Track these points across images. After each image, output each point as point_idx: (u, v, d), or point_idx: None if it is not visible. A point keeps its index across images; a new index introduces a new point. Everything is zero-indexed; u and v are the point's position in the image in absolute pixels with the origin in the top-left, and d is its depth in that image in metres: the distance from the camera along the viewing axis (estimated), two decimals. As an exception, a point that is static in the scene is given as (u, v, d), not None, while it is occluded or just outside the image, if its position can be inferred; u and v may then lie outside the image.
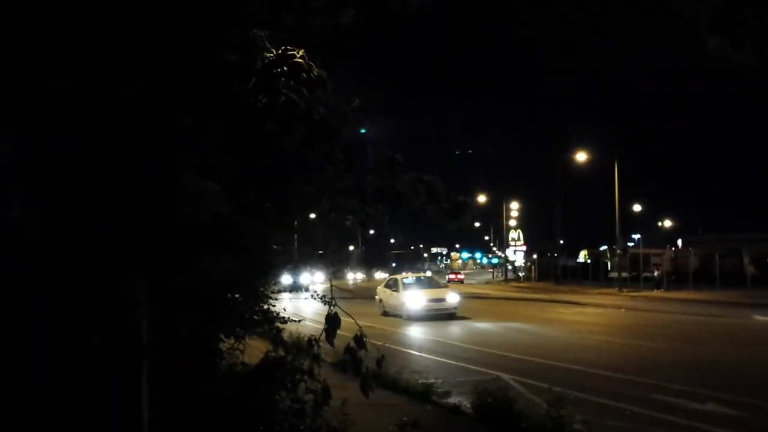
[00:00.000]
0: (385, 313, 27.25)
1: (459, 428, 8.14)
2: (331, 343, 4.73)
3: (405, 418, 5.84)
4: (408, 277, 31.39)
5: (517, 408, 7.94)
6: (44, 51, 2.99)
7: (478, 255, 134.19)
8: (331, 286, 5.41)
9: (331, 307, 5.00)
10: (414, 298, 26.01)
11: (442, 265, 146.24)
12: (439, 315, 25.26)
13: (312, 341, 4.99)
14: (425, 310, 25.43)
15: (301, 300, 7.48)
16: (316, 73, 4.88)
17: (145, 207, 3.11)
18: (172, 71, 3.85)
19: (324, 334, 4.66)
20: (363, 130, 4.74)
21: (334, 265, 8.53)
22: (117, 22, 3.29)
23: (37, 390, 2.93)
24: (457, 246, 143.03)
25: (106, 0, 3.29)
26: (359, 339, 4.67)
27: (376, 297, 29.59)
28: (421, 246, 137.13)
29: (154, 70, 3.53)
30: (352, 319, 5.10)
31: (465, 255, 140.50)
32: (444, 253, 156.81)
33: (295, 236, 6.77)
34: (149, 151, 3.23)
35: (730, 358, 14.70)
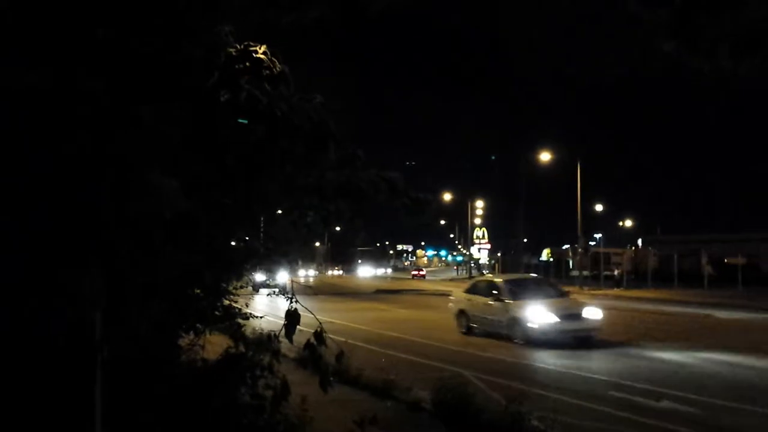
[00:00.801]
0: (471, 330, 19.09)
1: (418, 424, 8.20)
2: (290, 340, 4.74)
3: (364, 415, 5.86)
4: (512, 278, 22.37)
5: (476, 403, 8.02)
6: (14, 44, 2.96)
7: (443, 252, 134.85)
8: (293, 283, 5.42)
9: (291, 304, 5.01)
10: (537, 312, 16.99)
11: (407, 263, 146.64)
12: (577, 337, 16.68)
13: (271, 336, 4.99)
14: (558, 331, 16.65)
15: (278, 297, 7.46)
16: (278, 69, 4.87)
17: (102, 201, 3.09)
18: (135, 64, 3.82)
19: (284, 330, 4.67)
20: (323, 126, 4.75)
21: (298, 261, 8.51)
22: (83, 13, 3.27)
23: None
24: (423, 243, 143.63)
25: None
26: (319, 335, 4.69)
27: (453, 305, 21.31)
28: (387, 243, 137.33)
29: (118, 62, 3.51)
30: (313, 314, 5.11)
31: (430, 252, 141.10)
32: (410, 250, 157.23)
33: (261, 233, 6.75)
34: (109, 145, 3.22)
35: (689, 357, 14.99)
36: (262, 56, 4.77)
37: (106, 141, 3.17)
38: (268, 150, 4.99)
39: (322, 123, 4.80)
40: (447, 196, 75.97)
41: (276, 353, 5.16)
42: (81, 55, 3.48)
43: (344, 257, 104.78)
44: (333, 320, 17.23)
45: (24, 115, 3.07)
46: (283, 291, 6.93)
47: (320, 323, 4.76)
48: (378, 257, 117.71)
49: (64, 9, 3.40)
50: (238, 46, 4.77)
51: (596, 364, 13.83)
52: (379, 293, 44.53)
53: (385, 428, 7.21)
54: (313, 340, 4.71)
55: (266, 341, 6.23)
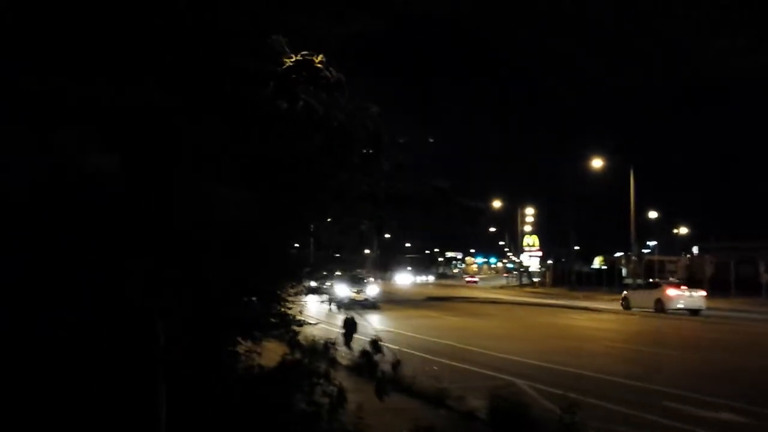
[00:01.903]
0: None
1: (472, 434, 8.15)
2: (349, 347, 4.77)
3: (419, 424, 5.85)
4: None
5: (531, 414, 7.93)
6: (81, 59, 3.05)
7: (492, 260, 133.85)
8: (351, 291, 5.44)
9: (348, 312, 5.04)
10: None
11: (456, 270, 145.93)
12: None
13: (328, 344, 5.02)
14: None
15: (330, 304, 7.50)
16: (334, 78, 4.91)
17: (162, 212, 3.16)
18: (190, 77, 3.90)
19: (342, 337, 4.71)
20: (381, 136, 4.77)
21: (351, 268, 8.55)
22: (142, 33, 3.35)
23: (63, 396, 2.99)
24: (472, 251, 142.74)
25: (135, 13, 3.35)
26: (375, 342, 4.71)
27: None
28: (436, 250, 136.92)
29: (174, 75, 3.59)
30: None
31: (480, 260, 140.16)
32: (459, 257, 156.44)
33: (311, 240, 6.81)
34: (170, 157, 3.29)
35: (745, 366, 14.59)
36: (319, 65, 4.81)
37: (169, 151, 3.24)
38: (324, 159, 5.04)
39: (377, 132, 4.82)
40: (496, 203, 75.46)
41: (332, 361, 5.20)
42: (155, 73, 3.57)
43: (393, 264, 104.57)
44: (383, 328, 17.27)
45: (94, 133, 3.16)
46: (339, 300, 7.01)
47: (376, 331, 4.78)
48: (426, 264, 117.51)
49: (138, 33, 3.49)
50: (294, 57, 4.83)
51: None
52: (430, 300, 44.46)
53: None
54: (369, 347, 4.72)
55: (322, 349, 6.28)
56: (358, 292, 30.86)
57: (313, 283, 7.53)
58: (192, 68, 3.68)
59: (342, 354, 5.81)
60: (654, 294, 34.13)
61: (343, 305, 7.06)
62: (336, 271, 7.93)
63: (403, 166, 4.89)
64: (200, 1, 4.10)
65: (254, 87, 4.67)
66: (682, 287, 34.48)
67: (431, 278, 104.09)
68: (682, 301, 32.72)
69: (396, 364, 4.83)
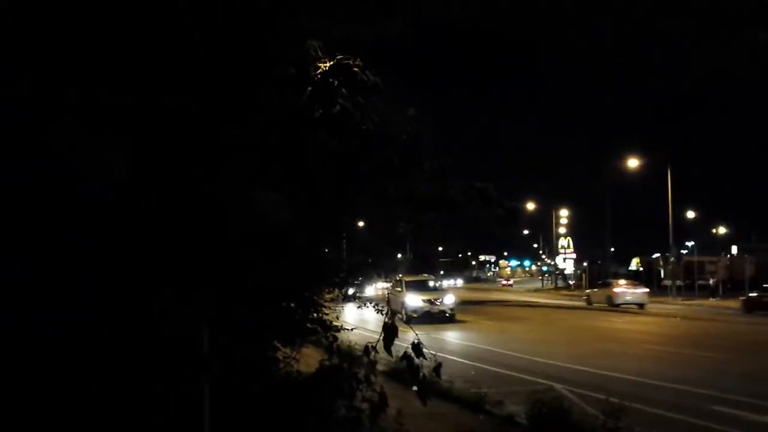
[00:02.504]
0: None
1: (513, 439, 8.05)
2: (389, 352, 4.72)
3: (460, 429, 5.78)
4: None
5: (573, 419, 7.80)
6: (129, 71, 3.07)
7: (526, 263, 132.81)
8: (388, 295, 5.39)
9: (388, 317, 5.00)
10: None
11: (490, 273, 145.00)
12: None
13: (369, 348, 4.98)
14: None
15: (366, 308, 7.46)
16: (371, 81, 4.89)
17: (207, 218, 3.15)
18: (230, 84, 3.90)
19: (382, 342, 4.66)
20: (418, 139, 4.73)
21: (387, 273, 8.52)
22: (180, 42, 3.36)
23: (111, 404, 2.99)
24: (506, 254, 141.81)
25: (173, 24, 3.36)
26: (416, 346, 4.65)
27: None
28: (469, 254, 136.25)
29: (215, 83, 3.59)
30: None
31: (514, 263, 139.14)
32: (492, 260, 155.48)
33: (344, 244, 6.78)
34: (212, 163, 3.29)
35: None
36: (355, 69, 4.79)
37: (212, 157, 3.24)
38: (361, 163, 5.01)
39: (415, 135, 4.78)
40: (530, 206, 74.81)
41: (373, 365, 5.15)
42: (175, 77, 3.58)
43: (427, 269, 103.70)
44: (418, 332, 17.15)
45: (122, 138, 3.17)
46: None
47: (417, 335, 4.73)
48: (460, 268, 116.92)
49: (162, 41, 3.50)
50: (329, 61, 4.81)
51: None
52: (463, 304, 44.16)
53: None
54: (410, 351, 4.67)
55: (361, 354, 6.24)
56: (431, 302, 26.94)
57: (350, 290, 7.49)
58: (232, 76, 3.68)
59: (378, 359, 5.78)
60: (606, 291, 39.13)
61: (414, 319, 6.88)
62: (370, 276, 7.86)
63: (446, 167, 4.84)
64: (236, 10, 4.10)
65: (292, 92, 4.66)
66: (627, 285, 40.26)
67: (459, 282, 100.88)
68: (627, 297, 37.85)
69: (437, 368, 4.77)
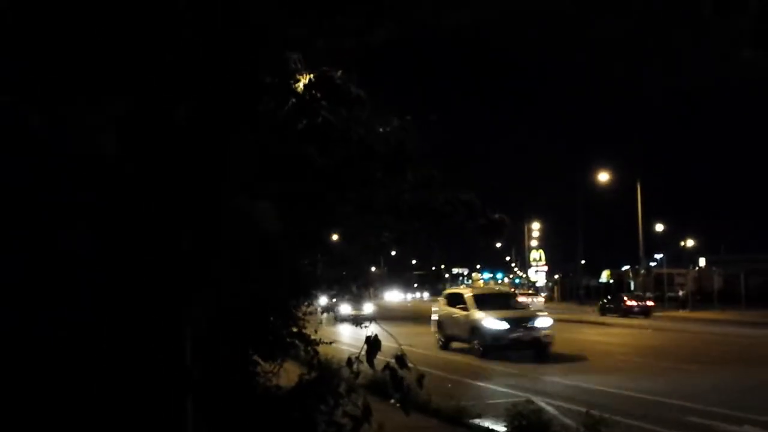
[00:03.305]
0: None
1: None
2: (372, 365, 4.70)
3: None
4: None
5: (553, 431, 7.80)
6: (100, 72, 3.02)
7: (499, 275, 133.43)
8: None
9: (371, 330, 4.95)
10: None
11: (463, 286, 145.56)
12: None
13: (352, 360, 4.92)
14: None
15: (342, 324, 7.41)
16: (354, 93, 4.87)
17: (197, 229, 3.10)
18: (216, 92, 3.85)
19: (365, 355, 4.62)
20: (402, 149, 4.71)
21: (366, 285, 8.46)
22: (168, 49, 3.32)
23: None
24: (478, 266, 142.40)
25: (164, 29, 3.32)
26: (400, 358, 4.63)
27: None
28: (443, 267, 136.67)
29: (202, 90, 3.54)
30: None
31: (486, 275, 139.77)
32: (465, 273, 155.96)
33: (319, 256, 6.71)
34: (202, 172, 3.23)
35: (766, 380, 14.42)
36: (338, 82, 4.77)
37: (202, 166, 3.18)
38: (345, 174, 4.98)
39: (399, 146, 4.76)
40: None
41: (356, 377, 5.09)
42: (167, 85, 3.54)
43: (400, 281, 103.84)
44: (394, 344, 17.06)
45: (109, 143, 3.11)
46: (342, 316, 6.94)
47: (400, 347, 4.69)
48: (433, 281, 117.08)
49: (154, 46, 3.45)
50: (312, 73, 4.78)
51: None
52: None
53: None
54: (393, 363, 4.64)
55: (337, 369, 6.17)
56: (521, 324, 25.90)
57: (323, 301, 7.43)
58: (219, 84, 3.63)
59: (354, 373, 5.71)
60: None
61: (496, 349, 7.06)
62: (347, 287, 7.80)
63: (431, 177, 4.83)
64: (228, 17, 4.07)
65: (275, 103, 4.62)
66: (527, 295, 49.31)
67: (425, 295, 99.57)
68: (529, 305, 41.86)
69: (421, 379, 4.74)
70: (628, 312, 40.02)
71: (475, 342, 19.17)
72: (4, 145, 2.83)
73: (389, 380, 4.68)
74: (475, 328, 19.34)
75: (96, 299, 2.93)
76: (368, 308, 31.90)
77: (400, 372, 4.74)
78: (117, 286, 2.93)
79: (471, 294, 21.63)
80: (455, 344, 21.14)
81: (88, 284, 2.91)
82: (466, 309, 20.47)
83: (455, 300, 21.92)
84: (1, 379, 2.88)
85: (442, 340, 21.77)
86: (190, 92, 3.43)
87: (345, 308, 26.02)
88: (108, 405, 2.99)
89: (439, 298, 25.71)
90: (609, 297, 47.43)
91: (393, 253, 8.25)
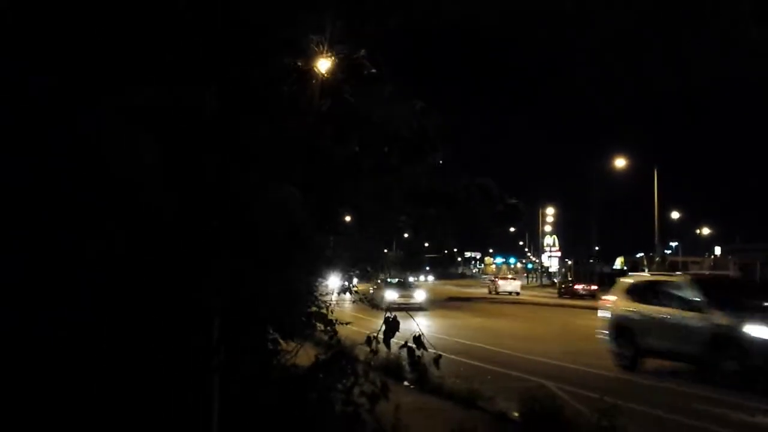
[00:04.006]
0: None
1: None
2: (388, 346, 4.76)
3: (461, 426, 5.80)
4: None
5: (566, 416, 7.83)
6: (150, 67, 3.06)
7: (512, 260, 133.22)
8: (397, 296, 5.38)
9: (390, 312, 5.00)
10: None
11: (475, 270, 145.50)
12: None
13: (371, 338, 4.98)
14: None
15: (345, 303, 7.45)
16: (376, 75, 4.87)
17: (229, 214, 3.15)
18: (240, 75, 3.88)
19: (383, 336, 4.69)
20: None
21: (382, 268, 8.50)
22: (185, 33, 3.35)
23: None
24: (491, 251, 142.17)
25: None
26: (418, 339, 4.70)
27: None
28: (455, 250, 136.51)
29: (226, 73, 3.58)
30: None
31: (499, 260, 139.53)
32: (477, 257, 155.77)
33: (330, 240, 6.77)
34: (233, 159, 3.28)
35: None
36: (360, 63, 4.77)
37: (232, 152, 3.22)
38: (365, 159, 5.00)
39: (420, 130, 4.78)
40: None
41: (374, 355, 5.16)
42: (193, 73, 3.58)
43: (413, 265, 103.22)
44: (407, 328, 17.15)
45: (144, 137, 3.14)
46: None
47: (419, 327, 4.76)
48: (446, 265, 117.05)
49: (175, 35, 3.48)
50: (331, 55, 4.79)
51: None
52: (451, 300, 44.28)
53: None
54: (412, 343, 4.71)
55: (351, 347, 6.25)
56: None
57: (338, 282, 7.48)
58: (243, 66, 3.66)
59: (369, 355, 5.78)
60: (494, 284, 60.49)
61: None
62: (361, 270, 7.85)
63: (449, 163, 4.85)
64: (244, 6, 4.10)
65: (296, 85, 4.64)
66: (506, 278, 62.87)
67: (430, 279, 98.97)
68: (508, 288, 57.11)
69: (437, 359, 4.81)
70: (575, 295, 49.21)
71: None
72: (4, 145, 2.86)
73: (409, 360, 4.74)
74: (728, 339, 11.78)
75: (104, 295, 2.97)
76: (419, 295, 31.83)
77: (418, 352, 4.80)
78: (150, 280, 2.98)
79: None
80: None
81: (88, 284, 2.94)
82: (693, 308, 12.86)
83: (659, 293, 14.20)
84: (1, 379, 2.92)
85: (628, 354, 14.15)
86: (215, 76, 3.46)
87: (390, 294, 25.34)
88: (126, 395, 3.04)
89: (611, 290, 16.64)
90: (564, 285, 57.51)
91: (406, 235, 8.24)
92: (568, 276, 70.85)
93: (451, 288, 66.38)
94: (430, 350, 4.96)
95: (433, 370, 5.27)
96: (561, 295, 53.07)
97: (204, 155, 3.15)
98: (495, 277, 68.06)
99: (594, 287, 51.21)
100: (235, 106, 3.51)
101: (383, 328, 4.82)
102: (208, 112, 3.24)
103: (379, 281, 23.31)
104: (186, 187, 3.01)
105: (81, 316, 2.94)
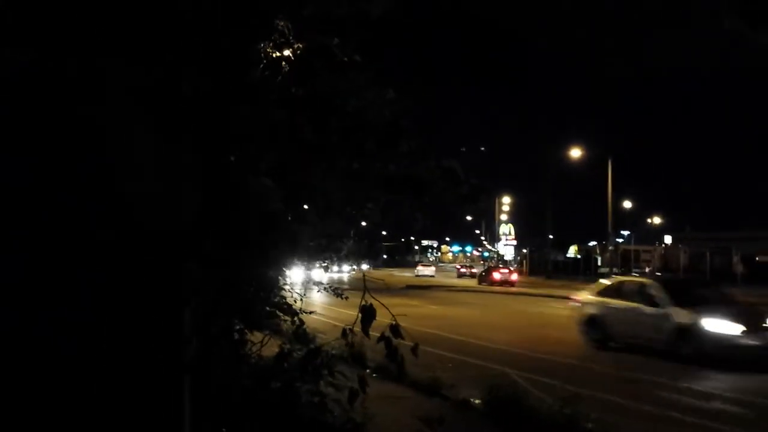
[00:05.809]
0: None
1: (471, 423, 8.11)
2: (367, 334, 4.69)
3: (426, 414, 5.80)
4: None
5: (529, 403, 7.92)
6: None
7: (468, 248, 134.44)
8: (364, 277, 5.35)
9: (365, 299, 4.94)
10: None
11: (432, 258, 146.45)
12: None
13: (347, 331, 4.92)
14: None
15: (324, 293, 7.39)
16: (350, 62, 4.81)
17: (206, 203, 3.07)
18: (210, 60, 3.79)
19: (360, 324, 4.64)
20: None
21: (347, 256, 8.47)
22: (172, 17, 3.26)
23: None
24: (448, 239, 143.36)
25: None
26: (395, 328, 4.65)
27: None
28: (412, 239, 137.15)
29: (198, 58, 3.48)
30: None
31: (456, 248, 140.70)
32: (435, 246, 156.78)
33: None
34: (213, 145, 3.19)
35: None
36: (334, 50, 4.70)
37: (212, 138, 3.14)
38: (338, 145, 4.95)
39: (393, 119, 4.74)
40: (473, 192, 75.56)
41: (350, 347, 5.10)
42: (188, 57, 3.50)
43: (371, 253, 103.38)
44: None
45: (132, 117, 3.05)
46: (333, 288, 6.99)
47: (394, 317, 4.72)
48: (404, 253, 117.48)
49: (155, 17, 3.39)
50: (301, 42, 4.71)
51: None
52: (409, 289, 44.51)
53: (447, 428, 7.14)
54: (388, 333, 4.66)
55: (313, 337, 6.19)
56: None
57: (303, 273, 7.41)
58: (213, 52, 3.57)
59: (330, 344, 5.75)
60: (416, 269, 75.45)
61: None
62: (326, 259, 7.80)
63: (423, 149, 4.82)
64: None
65: (267, 71, 4.56)
66: (427, 266, 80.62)
67: (364, 267, 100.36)
68: (426, 272, 71.28)
69: (415, 348, 4.78)
70: (493, 282, 52.35)
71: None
72: (5, 145, 2.79)
73: (386, 350, 4.69)
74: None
75: (97, 297, 2.90)
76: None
77: (395, 341, 4.75)
78: (119, 274, 2.91)
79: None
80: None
81: (91, 282, 2.88)
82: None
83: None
84: (1, 378, 2.86)
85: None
86: (188, 60, 3.37)
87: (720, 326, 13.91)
88: (123, 396, 2.99)
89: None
90: (483, 272, 61.71)
91: (363, 224, 8.22)
92: (524, 264, 72.13)
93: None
94: (407, 339, 4.92)
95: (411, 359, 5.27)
96: (480, 282, 56.19)
97: (184, 136, 3.06)
98: (421, 265, 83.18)
99: (514, 277, 54.83)
100: (211, 89, 3.43)
101: (359, 317, 4.76)
102: (187, 94, 3.15)
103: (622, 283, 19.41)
104: (167, 173, 2.93)
105: (81, 316, 2.88)
